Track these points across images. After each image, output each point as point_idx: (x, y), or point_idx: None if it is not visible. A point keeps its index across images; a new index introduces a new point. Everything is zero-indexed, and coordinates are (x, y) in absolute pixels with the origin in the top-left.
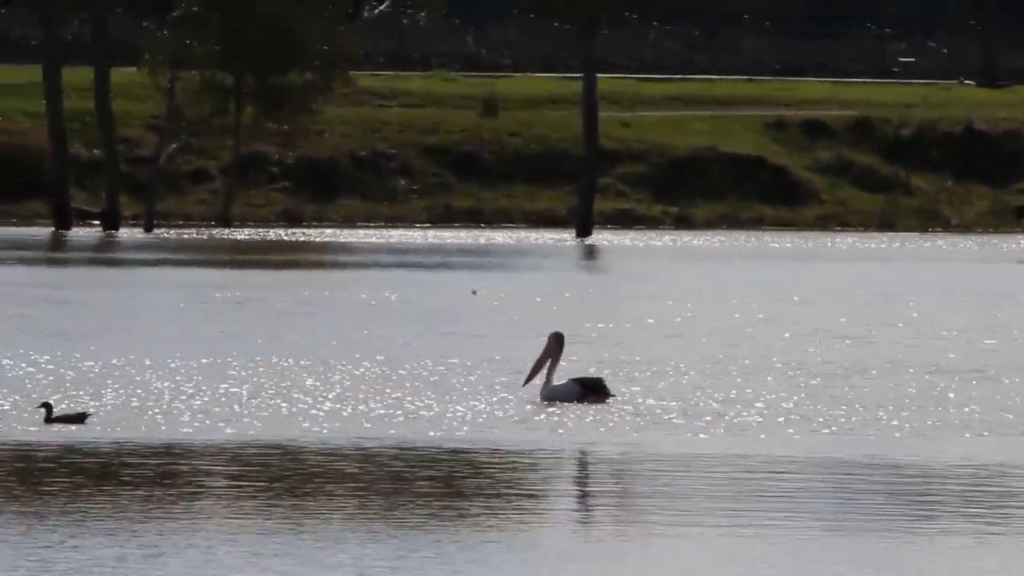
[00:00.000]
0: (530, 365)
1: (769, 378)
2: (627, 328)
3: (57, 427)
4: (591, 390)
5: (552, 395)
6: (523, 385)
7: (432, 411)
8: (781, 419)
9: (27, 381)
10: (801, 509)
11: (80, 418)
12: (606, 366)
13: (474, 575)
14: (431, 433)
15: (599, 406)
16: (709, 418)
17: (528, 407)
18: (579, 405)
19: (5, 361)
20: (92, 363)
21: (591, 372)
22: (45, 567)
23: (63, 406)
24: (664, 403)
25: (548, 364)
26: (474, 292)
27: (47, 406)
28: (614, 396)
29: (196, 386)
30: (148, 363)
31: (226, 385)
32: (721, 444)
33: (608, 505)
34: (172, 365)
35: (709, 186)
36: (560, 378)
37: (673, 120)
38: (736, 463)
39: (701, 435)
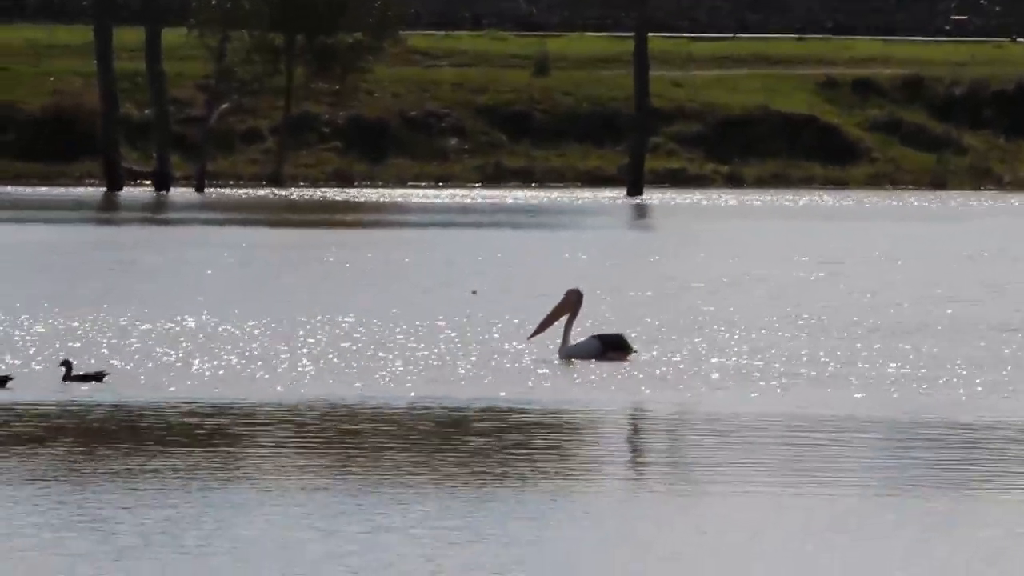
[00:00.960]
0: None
1: (821, 336)
2: (674, 285)
3: (85, 386)
4: (612, 347)
5: (572, 353)
6: (529, 338)
7: (477, 371)
8: (833, 377)
9: (71, 341)
10: (856, 468)
11: (98, 377)
12: (653, 323)
13: (535, 534)
14: (478, 393)
15: (643, 364)
16: (759, 376)
17: (571, 366)
18: (606, 363)
19: (49, 320)
20: (136, 323)
21: (628, 331)
22: (99, 527)
23: (91, 362)
24: (713, 361)
25: (565, 321)
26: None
27: (67, 364)
28: (635, 352)
29: (241, 346)
30: (193, 323)
31: (273, 344)
32: (773, 402)
33: (659, 464)
34: (216, 325)
35: (760, 145)
36: (577, 336)
37: (724, 79)
38: (788, 422)
39: (752, 394)
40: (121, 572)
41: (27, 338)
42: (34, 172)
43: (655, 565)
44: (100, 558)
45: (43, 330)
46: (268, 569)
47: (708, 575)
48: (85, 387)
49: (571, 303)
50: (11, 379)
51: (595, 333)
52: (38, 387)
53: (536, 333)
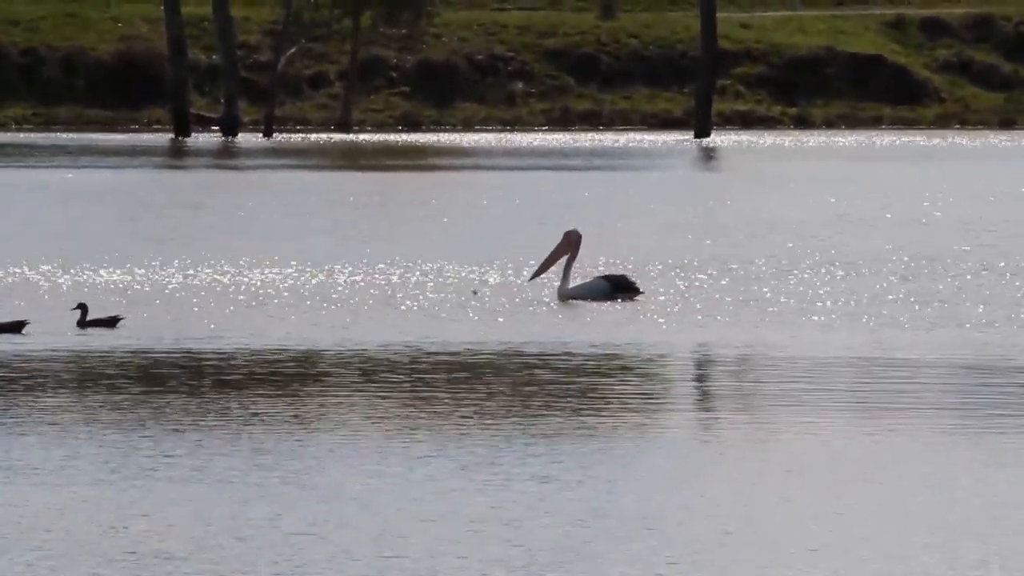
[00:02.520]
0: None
1: (892, 277)
2: (742, 226)
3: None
4: (620, 288)
5: (576, 294)
6: (529, 279)
7: (537, 312)
8: (903, 317)
9: (128, 287)
10: (926, 408)
11: (112, 322)
12: (720, 263)
13: (616, 476)
14: (539, 335)
15: (711, 303)
16: (826, 316)
17: (572, 306)
18: (612, 303)
19: (112, 267)
20: (199, 267)
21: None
22: (157, 471)
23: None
24: (784, 301)
25: (565, 262)
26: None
27: (82, 307)
28: (643, 293)
29: (302, 290)
30: (254, 270)
31: (337, 289)
32: (847, 342)
33: (728, 405)
34: (279, 269)
35: (828, 86)
36: (575, 277)
37: (792, 20)
38: (857, 362)
39: (821, 333)
40: (213, 513)
41: (90, 280)
42: (102, 118)
43: (736, 505)
44: (194, 499)
45: (106, 275)
46: (348, 515)
47: (786, 516)
48: (134, 335)
49: (571, 244)
50: (27, 323)
51: (601, 274)
52: (147, 330)
53: (537, 274)
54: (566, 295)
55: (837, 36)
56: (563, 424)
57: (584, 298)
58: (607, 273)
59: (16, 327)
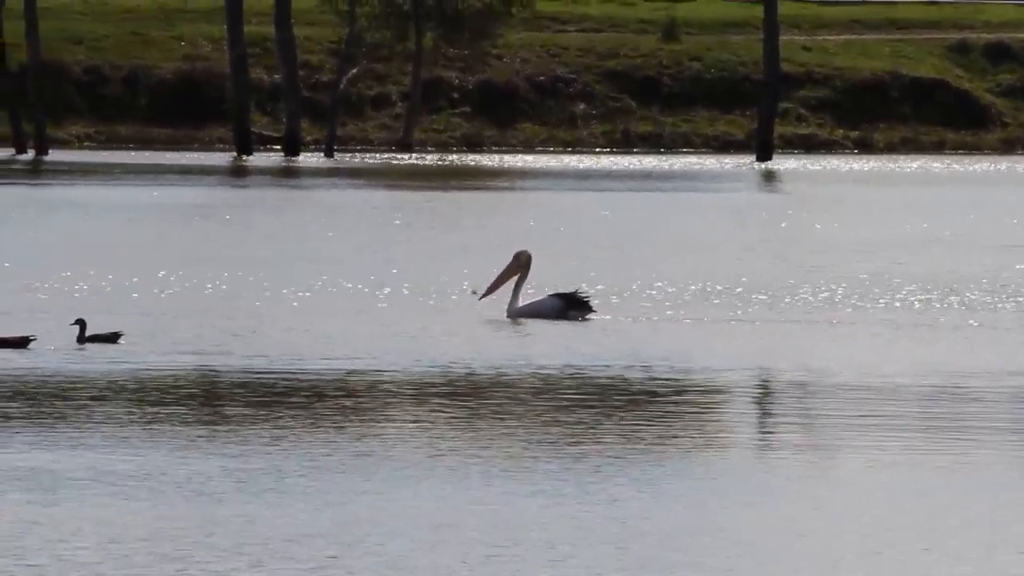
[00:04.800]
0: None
1: (957, 297)
2: (802, 248)
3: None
4: (573, 305)
5: (528, 312)
6: (480, 299)
7: (600, 333)
8: (968, 337)
9: (187, 301)
10: (989, 427)
11: (113, 338)
12: (785, 285)
13: (672, 500)
14: (598, 355)
15: (767, 324)
16: (891, 336)
17: (521, 325)
18: (565, 321)
19: (169, 283)
20: (258, 284)
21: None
22: (217, 482)
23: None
24: (847, 322)
25: (515, 282)
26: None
27: (81, 323)
28: (595, 311)
29: (353, 310)
30: (308, 289)
31: (396, 309)
32: (908, 364)
33: (790, 426)
34: (337, 287)
35: (890, 110)
36: (527, 297)
37: (854, 44)
38: (919, 386)
39: (886, 354)
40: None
41: (141, 296)
42: (164, 137)
43: (794, 530)
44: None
45: (159, 290)
46: (409, 531)
47: (843, 545)
48: (191, 351)
49: (521, 264)
50: (33, 339)
51: (552, 292)
52: (151, 345)
53: (487, 293)
54: (516, 313)
55: (900, 60)
56: (628, 445)
57: (535, 316)
58: (559, 291)
59: (22, 343)
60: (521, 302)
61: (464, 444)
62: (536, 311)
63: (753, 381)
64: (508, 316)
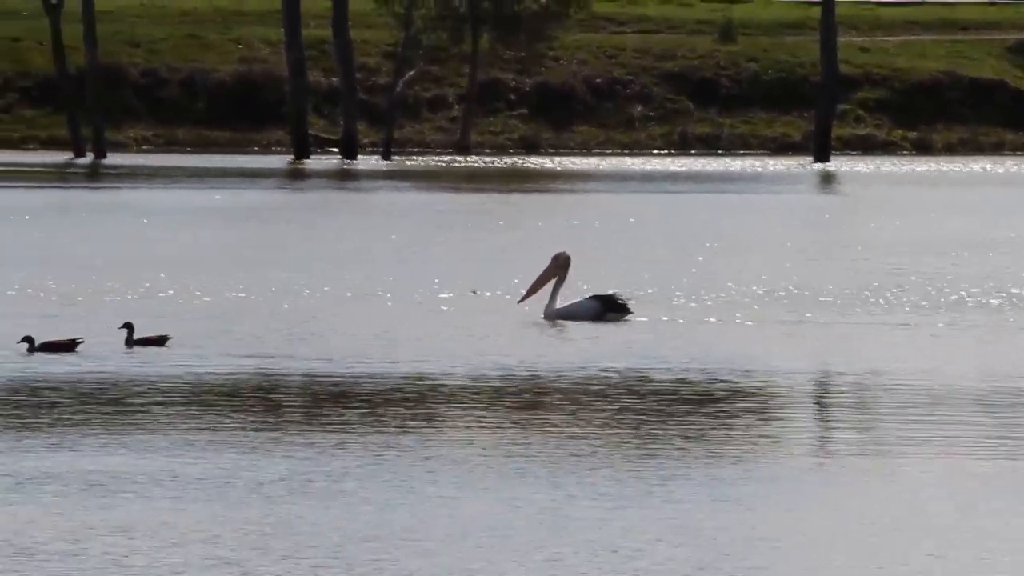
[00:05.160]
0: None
1: (1015, 300)
2: (861, 250)
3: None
4: (612, 307)
5: (566, 314)
6: (519, 302)
7: (660, 336)
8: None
9: (235, 305)
10: None
11: (161, 341)
12: (843, 287)
13: (735, 506)
14: (659, 357)
15: (830, 328)
16: (949, 340)
17: (559, 327)
18: (605, 323)
19: (228, 286)
20: (318, 284)
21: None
22: (279, 480)
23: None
24: (898, 324)
25: (553, 284)
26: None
27: (129, 327)
28: (633, 313)
29: (412, 312)
30: (360, 292)
31: (434, 311)
32: (965, 368)
33: (849, 430)
34: (386, 289)
35: (948, 111)
36: (567, 298)
37: (912, 44)
38: (981, 390)
39: (945, 358)
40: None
41: (200, 299)
42: (222, 140)
43: (862, 537)
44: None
45: (218, 293)
46: (467, 535)
47: (903, 548)
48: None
49: (560, 266)
50: (80, 342)
51: (591, 294)
52: (213, 348)
53: (526, 296)
54: (554, 315)
55: (958, 61)
56: (690, 448)
57: (573, 318)
58: (597, 293)
59: (69, 346)
60: (560, 304)
61: (527, 447)
62: (574, 313)
63: (813, 383)
64: (545, 318)
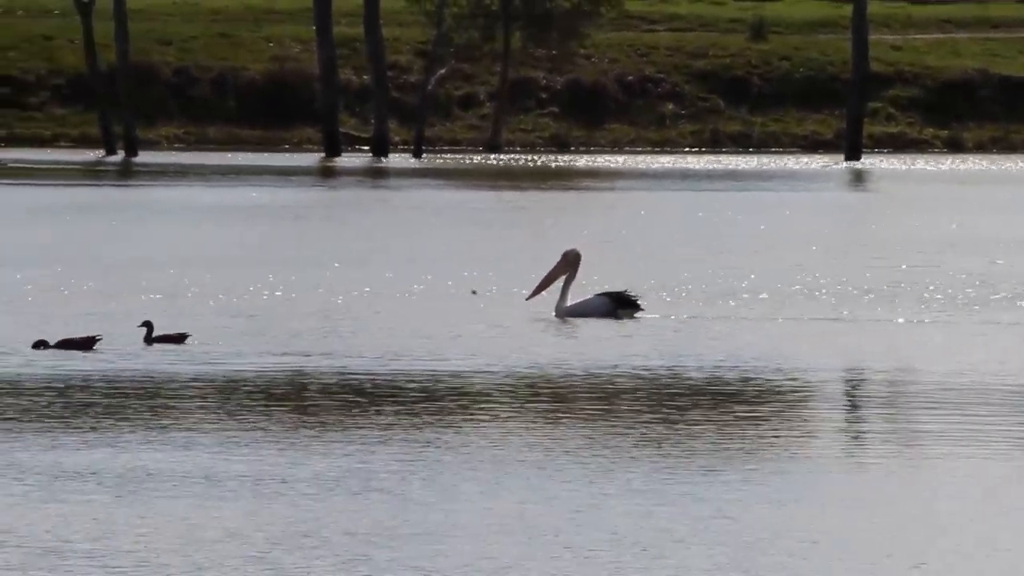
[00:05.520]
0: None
1: None
2: (891, 249)
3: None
4: (623, 304)
5: (576, 311)
6: (527, 299)
7: (694, 333)
8: None
9: (267, 303)
10: None
11: (180, 338)
12: (875, 286)
13: (768, 504)
14: (690, 355)
15: (859, 325)
16: (980, 340)
17: (569, 324)
18: (615, 320)
19: (261, 284)
20: (350, 283)
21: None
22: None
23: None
24: (929, 323)
25: (563, 281)
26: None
27: (148, 325)
28: (643, 309)
29: (442, 309)
30: (392, 289)
31: (467, 309)
32: (996, 368)
33: (889, 430)
34: (419, 287)
35: (980, 109)
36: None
37: (944, 43)
38: (1018, 388)
39: (975, 358)
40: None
41: (232, 297)
42: (253, 138)
43: (895, 535)
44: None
45: (251, 290)
46: (504, 534)
47: (939, 547)
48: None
49: (569, 263)
50: (99, 339)
51: (600, 292)
52: (245, 346)
53: (535, 293)
54: (564, 312)
55: (991, 59)
56: (723, 445)
57: (584, 315)
58: (608, 290)
59: (87, 343)
60: (570, 301)
61: (561, 443)
62: (584, 310)
63: (846, 381)
64: (556, 315)
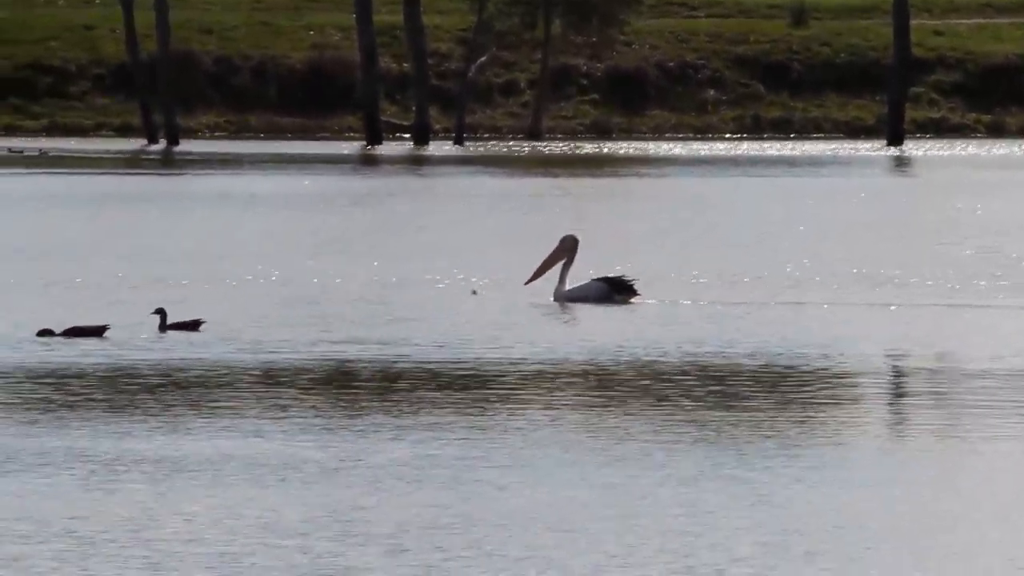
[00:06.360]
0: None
1: None
2: (934, 234)
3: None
4: (620, 289)
5: (574, 296)
6: (525, 283)
7: (737, 318)
8: None
9: (308, 291)
10: None
11: (194, 325)
12: (917, 271)
13: (814, 488)
14: (749, 340)
15: (900, 311)
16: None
17: (568, 309)
18: (614, 305)
19: (301, 272)
20: (392, 271)
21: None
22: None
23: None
24: (973, 307)
25: (561, 266)
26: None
27: (161, 312)
28: (640, 294)
29: (480, 297)
30: (432, 277)
31: (512, 298)
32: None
33: (932, 415)
34: (460, 275)
35: (1022, 93)
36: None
37: (987, 27)
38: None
39: (1016, 343)
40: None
41: (273, 284)
42: (294, 126)
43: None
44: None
45: (290, 278)
46: (591, 536)
47: (984, 533)
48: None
49: (567, 249)
50: (108, 328)
51: (597, 276)
52: (284, 334)
53: (533, 279)
54: (563, 297)
55: None
56: (768, 431)
57: (582, 300)
58: (604, 275)
59: (98, 331)
60: (568, 286)
61: (603, 429)
62: (582, 295)
63: (892, 366)
64: (555, 299)
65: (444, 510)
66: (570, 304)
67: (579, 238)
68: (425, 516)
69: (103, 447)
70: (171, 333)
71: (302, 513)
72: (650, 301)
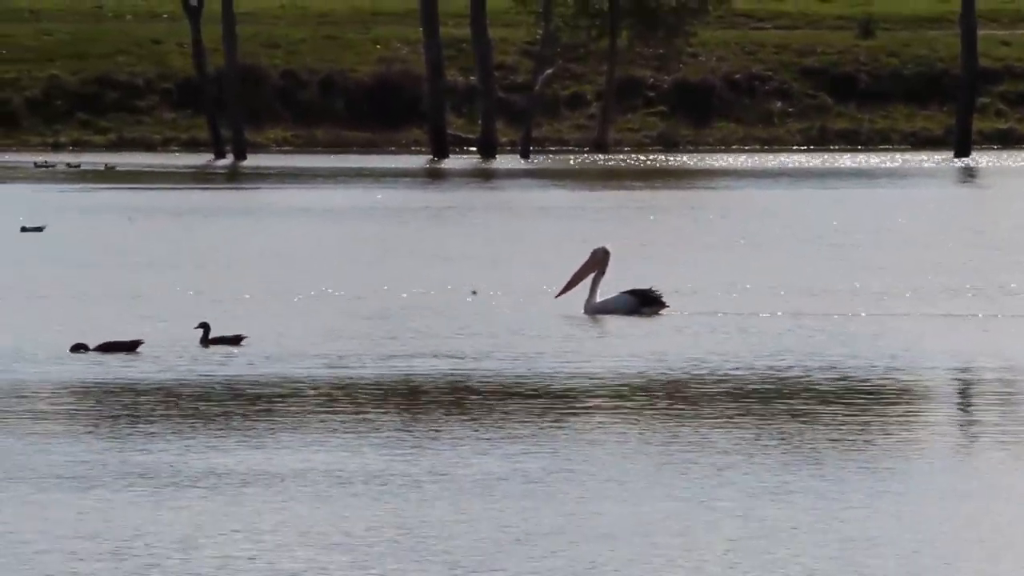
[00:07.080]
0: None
1: None
2: (1010, 243)
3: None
4: (647, 302)
5: (603, 308)
6: (556, 296)
7: (807, 329)
8: None
9: (376, 304)
10: None
11: (236, 340)
12: (988, 282)
13: (882, 501)
14: (807, 353)
15: (968, 321)
16: None
17: (598, 321)
18: (640, 317)
19: (370, 285)
20: (459, 283)
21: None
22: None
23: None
24: None
25: (592, 279)
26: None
27: (205, 326)
28: (669, 307)
29: (547, 311)
30: (498, 291)
31: (568, 312)
32: None
33: (1001, 427)
34: (527, 287)
35: None
36: (605, 293)
37: None
38: None
39: None
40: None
41: (340, 298)
42: (361, 140)
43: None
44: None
45: (359, 291)
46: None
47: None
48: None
49: (598, 261)
50: (142, 343)
51: (625, 289)
52: (343, 347)
53: (564, 291)
54: (593, 309)
55: None
56: (837, 444)
57: (611, 312)
58: (633, 288)
59: (131, 347)
60: (599, 298)
61: (672, 443)
62: (611, 308)
63: (967, 378)
64: (585, 312)
65: (522, 523)
66: (613, 316)
67: (610, 250)
68: (521, 527)
69: (166, 460)
70: (217, 348)
71: (395, 524)
72: (677, 313)
